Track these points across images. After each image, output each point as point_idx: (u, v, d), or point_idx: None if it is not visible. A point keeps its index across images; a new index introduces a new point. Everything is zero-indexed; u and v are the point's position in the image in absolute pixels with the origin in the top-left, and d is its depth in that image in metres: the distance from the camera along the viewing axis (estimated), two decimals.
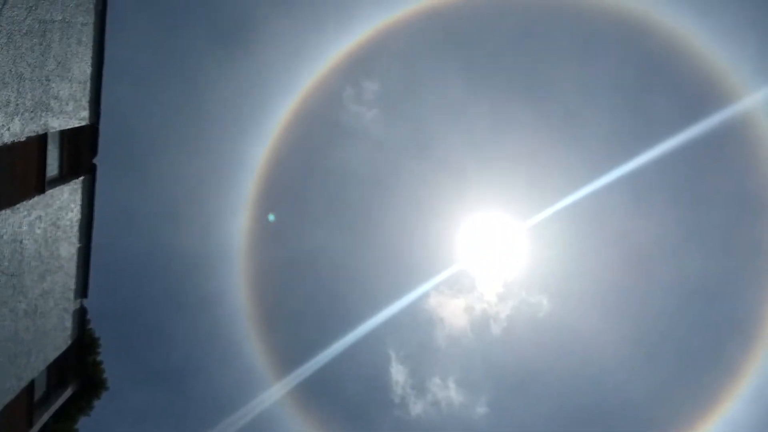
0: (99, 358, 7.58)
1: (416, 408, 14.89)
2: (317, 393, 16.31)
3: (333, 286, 16.32)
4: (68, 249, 5.36)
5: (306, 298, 16.72)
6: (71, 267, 5.52)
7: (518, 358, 15.38)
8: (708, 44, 12.95)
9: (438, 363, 15.36)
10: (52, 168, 4.91)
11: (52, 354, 5.52)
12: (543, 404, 15.43)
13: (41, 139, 4.47)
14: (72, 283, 5.65)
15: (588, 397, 15.64)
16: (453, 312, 14.90)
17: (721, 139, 13.82)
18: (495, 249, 14.84)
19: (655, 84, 14.29)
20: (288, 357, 16.82)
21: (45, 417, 5.97)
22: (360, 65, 15.77)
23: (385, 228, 15.98)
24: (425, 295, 14.68)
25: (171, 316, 16.57)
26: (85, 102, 5.17)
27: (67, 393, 6.49)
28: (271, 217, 16.60)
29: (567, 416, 15.38)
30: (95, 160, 5.54)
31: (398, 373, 14.77)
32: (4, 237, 4.05)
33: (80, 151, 5.38)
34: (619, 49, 14.35)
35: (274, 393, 16.56)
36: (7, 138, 3.75)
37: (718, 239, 15.51)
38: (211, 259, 16.61)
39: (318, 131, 16.40)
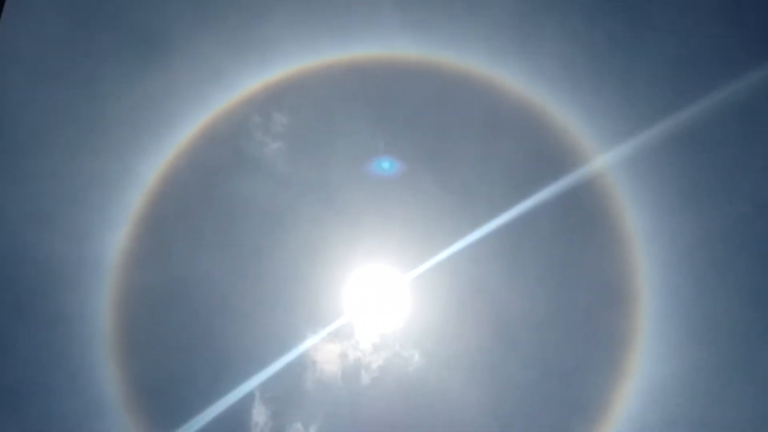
0: None
1: None
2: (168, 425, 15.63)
3: (209, 320, 15.99)
4: None
5: (177, 329, 16.20)
6: None
7: (384, 410, 15.71)
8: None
9: (303, 408, 15.32)
10: None
11: None
12: None
13: None
14: None
15: None
16: (326, 357, 15.07)
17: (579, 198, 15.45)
18: (377, 299, 15.34)
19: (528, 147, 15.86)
20: (146, 388, 16.07)
21: None
22: (274, 97, 16.19)
23: (273, 268, 16.07)
24: (301, 337, 14.79)
25: (20, 326, 15.37)
26: None
27: None
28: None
29: None
30: None
31: (259, 415, 14.55)
32: None
33: None
34: (516, 126, 15.87)
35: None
36: None
37: (579, 322, 16.90)
38: (79, 271, 15.75)
39: (219, 155, 16.43)
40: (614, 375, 16.47)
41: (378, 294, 15.97)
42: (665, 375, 16.20)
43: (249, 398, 15.14)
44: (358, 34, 16.81)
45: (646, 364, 16.26)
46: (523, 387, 16.97)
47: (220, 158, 16.42)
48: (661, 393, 16.25)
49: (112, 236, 16.29)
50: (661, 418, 16.26)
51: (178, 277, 16.36)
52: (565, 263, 17.12)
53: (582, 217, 17.12)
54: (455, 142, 16.42)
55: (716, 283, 16.53)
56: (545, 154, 16.00)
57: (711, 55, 15.96)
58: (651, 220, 16.44)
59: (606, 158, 16.32)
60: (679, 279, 16.36)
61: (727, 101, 15.61)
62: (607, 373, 16.43)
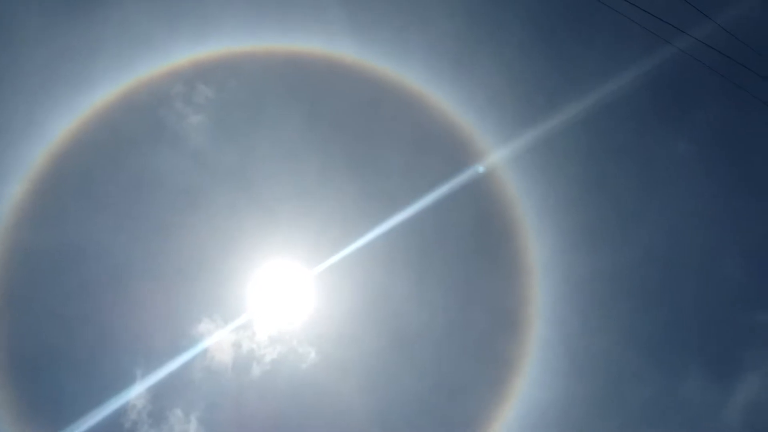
0: None
1: None
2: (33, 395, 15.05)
3: (99, 294, 15.52)
4: None
5: (63, 299, 15.59)
6: None
7: (270, 405, 15.87)
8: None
9: (186, 395, 15.18)
10: None
11: None
12: None
13: None
14: None
15: None
16: (219, 345, 15.04)
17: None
18: (279, 292, 15.51)
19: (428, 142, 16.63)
20: (18, 356, 15.34)
21: None
22: (202, 72, 16.04)
23: (175, 248, 15.84)
24: (194, 322, 14.69)
25: None
26: None
27: None
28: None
29: None
30: None
31: (138, 397, 14.28)
32: None
33: None
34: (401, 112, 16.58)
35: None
36: None
37: (472, 345, 17.82)
38: None
39: (135, 122, 16.05)
40: (498, 395, 17.55)
41: (281, 287, 16.15)
42: (544, 400, 17.42)
43: (129, 379, 14.82)
44: (301, 26, 17.09)
45: (528, 388, 17.43)
46: (411, 398, 17.68)
47: (136, 126, 16.06)
48: (538, 417, 17.48)
49: (6, 190, 15.55)
50: None
51: (72, 244, 15.79)
52: (468, 283, 18.04)
53: (487, 245, 18.14)
54: (374, 145, 17.00)
55: (600, 321, 18.00)
56: (452, 159, 16.88)
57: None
58: (552, 254, 17.69)
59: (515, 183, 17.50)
60: (568, 312, 17.64)
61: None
62: (492, 393, 17.48)
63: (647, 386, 17.68)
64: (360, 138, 16.90)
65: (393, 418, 17.46)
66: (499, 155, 17.20)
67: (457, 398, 17.90)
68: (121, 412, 14.62)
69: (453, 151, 16.34)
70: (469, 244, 17.44)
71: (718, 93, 17.00)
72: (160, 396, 14.85)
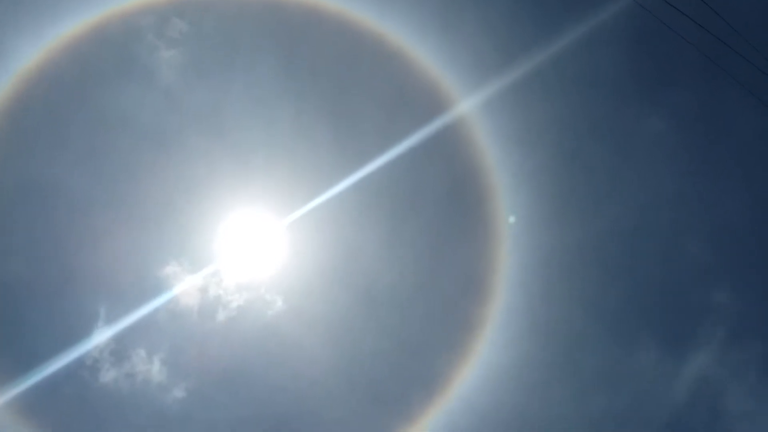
0: None
1: (107, 375, 14.62)
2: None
3: (58, 229, 15.41)
4: None
5: (22, 232, 15.46)
6: None
7: (234, 352, 16.20)
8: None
9: (150, 335, 15.38)
10: None
11: None
12: (239, 404, 16.36)
13: None
14: None
15: (287, 407, 17.02)
16: (185, 289, 15.20)
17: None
18: (249, 240, 15.65)
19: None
20: None
21: None
22: (178, 3, 15.70)
23: (141, 189, 15.76)
24: (160, 264, 14.79)
25: None
26: None
27: None
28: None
29: (262, 421, 16.47)
30: None
31: (101, 334, 14.43)
32: None
33: None
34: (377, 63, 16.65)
35: None
36: None
37: (439, 306, 18.32)
38: None
39: (105, 54, 15.70)
40: (458, 356, 18.19)
41: (250, 236, 16.31)
42: (503, 363, 18.11)
43: (93, 316, 14.93)
44: None
45: (488, 351, 18.08)
46: (373, 354, 18.20)
47: (106, 60, 15.72)
48: (494, 379, 18.20)
49: None
50: (489, 401, 18.25)
51: (37, 180, 15.59)
52: (437, 244, 18.42)
53: (459, 208, 18.48)
54: (351, 96, 17.01)
55: (563, 290, 18.61)
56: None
57: None
58: (520, 221, 18.13)
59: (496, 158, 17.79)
60: (532, 280, 18.20)
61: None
62: (452, 353, 18.10)
63: (603, 355, 18.49)
64: (336, 88, 16.87)
65: (355, 372, 17.99)
66: (476, 121, 17.42)
67: (418, 357, 18.48)
68: (84, 350, 14.78)
69: (430, 110, 16.50)
70: (441, 206, 17.76)
71: (700, 72, 17.41)
72: (123, 336, 15.03)
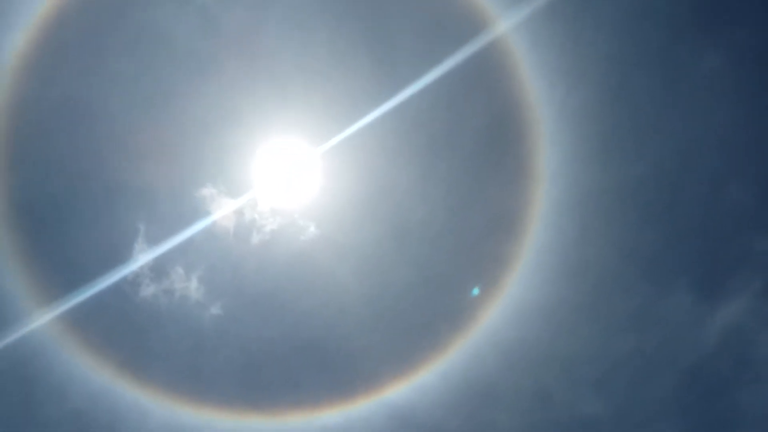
0: None
1: (147, 290, 15.58)
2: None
3: (99, 147, 16.00)
4: None
5: (65, 149, 16.11)
6: None
7: (267, 274, 16.97)
8: None
9: (188, 254, 16.19)
10: None
11: None
12: (274, 324, 17.27)
13: None
14: None
15: (315, 333, 17.88)
16: (222, 211, 15.81)
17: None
18: (285, 167, 16.03)
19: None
20: (25, 204, 16.19)
21: None
22: None
23: (179, 112, 16.12)
24: (198, 185, 15.33)
25: None
26: None
27: None
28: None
29: (292, 345, 17.38)
30: None
31: (141, 251, 15.27)
32: None
33: None
34: None
35: None
36: None
37: (469, 243, 18.57)
38: None
39: None
40: (487, 292, 18.60)
41: (286, 162, 16.71)
42: (530, 301, 18.47)
43: (133, 232, 15.78)
44: None
45: (516, 288, 18.41)
46: (403, 288, 18.74)
47: None
48: (522, 316, 18.62)
49: (10, 36, 15.60)
50: (515, 337, 18.77)
51: (78, 97, 16.08)
52: (471, 181, 18.46)
53: (497, 143, 18.36)
54: (387, 22, 16.73)
55: (599, 232, 18.58)
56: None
57: None
58: (560, 160, 17.97)
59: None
60: (568, 220, 18.18)
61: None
62: (482, 289, 18.50)
63: (635, 297, 18.61)
64: (373, 12, 16.62)
65: (383, 303, 18.64)
66: (519, 51, 17.04)
67: (447, 291, 18.99)
68: (126, 267, 15.74)
69: (471, 39, 16.18)
70: (478, 140, 17.68)
71: (761, 11, 16.54)
72: (162, 253, 15.90)
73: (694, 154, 17.90)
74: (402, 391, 18.44)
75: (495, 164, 18.57)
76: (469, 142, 18.12)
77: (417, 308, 19.04)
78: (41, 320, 15.43)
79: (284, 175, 16.66)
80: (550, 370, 19.01)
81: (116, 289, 15.63)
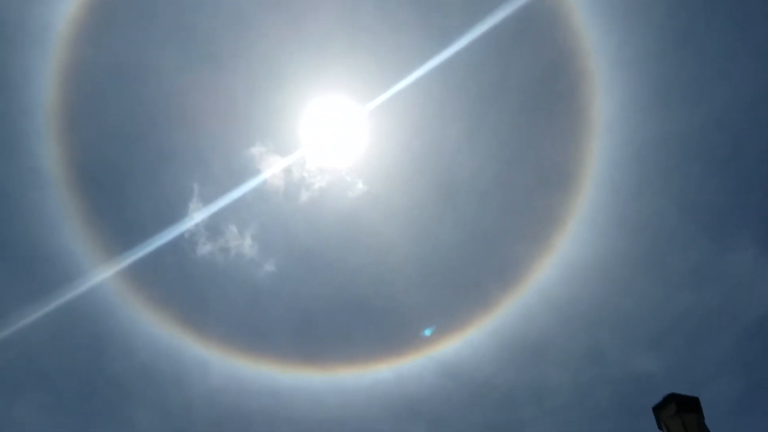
0: None
1: (204, 248, 16.36)
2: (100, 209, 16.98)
3: (153, 111, 16.60)
4: None
5: (121, 114, 16.81)
6: None
7: (317, 231, 17.48)
8: None
9: (240, 213, 16.84)
10: None
11: None
12: (325, 280, 17.84)
13: None
14: None
15: (363, 291, 18.38)
16: (271, 170, 16.28)
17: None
18: (333, 125, 16.25)
19: None
20: (84, 168, 17.10)
21: None
22: None
23: (228, 74, 16.46)
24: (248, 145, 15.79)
25: None
26: None
27: None
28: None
29: (341, 302, 17.94)
30: None
31: (196, 210, 15.98)
32: None
33: None
34: None
35: (62, 206, 16.88)
36: None
37: (518, 199, 18.44)
38: (23, 35, 15.74)
39: None
40: (538, 249, 18.57)
41: (333, 121, 16.96)
42: (583, 257, 18.32)
43: (188, 193, 16.51)
44: None
45: (568, 244, 18.28)
46: (451, 245, 18.93)
47: None
48: (574, 272, 18.53)
49: (62, 5, 16.13)
50: (567, 295, 18.75)
51: (129, 63, 16.65)
52: (521, 136, 18.24)
53: (549, 97, 18.00)
54: None
55: (658, 185, 18.13)
56: None
57: None
58: (615, 112, 17.48)
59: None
60: (624, 175, 17.79)
61: None
62: (532, 245, 18.48)
63: (695, 252, 18.21)
64: None
65: (431, 261, 18.91)
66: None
67: (496, 248, 19.08)
68: (182, 226, 16.54)
69: None
70: (529, 92, 17.39)
71: None
72: (215, 213, 16.60)
73: (759, 101, 17.11)
74: (451, 347, 18.82)
75: (546, 117, 18.26)
76: (520, 94, 17.85)
77: (466, 266, 19.21)
78: (105, 278, 16.38)
79: (332, 133, 16.94)
80: (605, 327, 18.94)
81: (174, 248, 16.42)
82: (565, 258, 18.27)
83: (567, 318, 18.93)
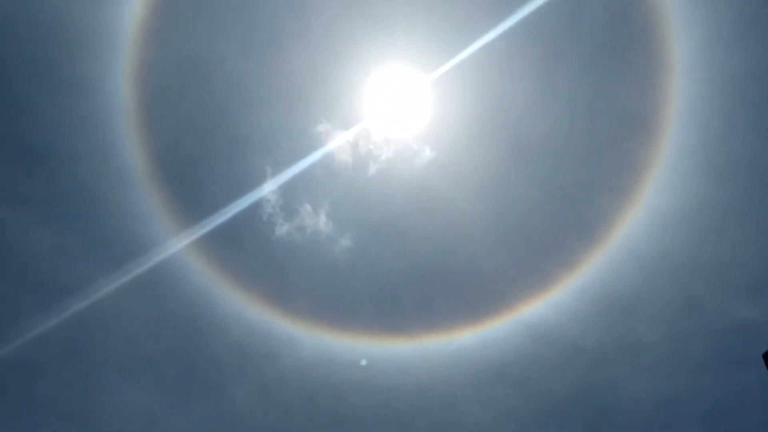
0: None
1: (281, 229, 16.99)
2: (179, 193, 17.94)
3: (224, 102, 17.24)
4: None
5: (194, 109, 17.58)
6: None
7: (388, 202, 17.69)
8: None
9: (312, 192, 17.32)
10: None
11: None
12: (401, 251, 18.09)
13: None
14: None
15: (441, 258, 18.45)
16: (338, 146, 16.59)
17: None
18: (395, 95, 16.31)
19: None
20: (165, 164, 18.08)
21: None
22: None
23: (291, 56, 16.79)
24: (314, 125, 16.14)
25: (37, 89, 16.79)
26: None
27: None
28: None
29: (420, 271, 18.13)
30: None
31: (270, 193, 16.58)
32: None
33: None
34: None
35: (151, 203, 17.97)
36: None
37: (599, 149, 17.82)
38: (95, 38, 16.64)
39: None
40: (621, 201, 17.95)
41: (397, 90, 16.98)
42: (671, 207, 17.53)
43: (260, 178, 17.15)
44: None
45: (654, 194, 17.54)
46: (527, 205, 18.61)
47: None
48: (663, 223, 17.79)
49: (128, 6, 16.95)
50: (655, 247, 18.06)
51: (196, 57, 17.29)
52: (595, 85, 17.52)
53: (621, 41, 17.16)
54: None
55: (749, 122, 17.01)
56: None
57: None
58: (696, 48, 16.46)
59: None
60: (711, 115, 16.78)
61: None
62: (615, 198, 17.89)
63: None
64: None
65: (509, 223, 18.69)
66: None
67: (577, 205, 18.59)
68: (258, 205, 17.23)
69: None
70: (599, 39, 16.67)
71: None
72: (289, 194, 17.16)
73: None
74: (535, 309, 18.65)
75: (619, 63, 17.47)
76: (589, 42, 17.13)
77: (545, 225, 18.86)
78: (194, 266, 17.37)
79: (396, 104, 16.98)
80: (699, 278, 18.16)
81: (254, 231, 17.13)
82: (651, 209, 17.61)
83: (658, 271, 18.28)
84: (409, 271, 18.33)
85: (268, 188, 16.60)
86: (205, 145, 17.67)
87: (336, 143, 16.30)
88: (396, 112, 16.66)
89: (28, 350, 17.49)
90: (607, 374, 18.19)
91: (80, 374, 17.98)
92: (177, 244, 17.10)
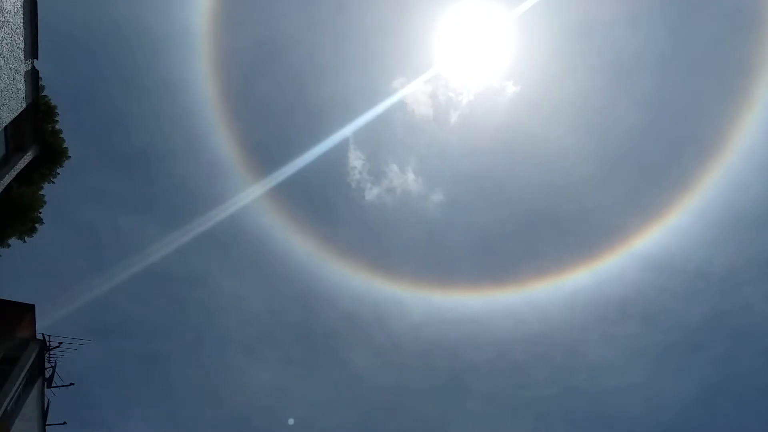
0: (57, 126, 9.07)
1: (371, 193, 17.25)
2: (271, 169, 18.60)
3: (301, 77, 17.49)
4: (12, 2, 6.02)
5: (273, 89, 18.00)
6: (17, 22, 6.27)
7: (476, 149, 17.34)
8: None
9: (397, 151, 17.36)
10: None
11: (7, 116, 6.47)
12: (498, 198, 17.79)
13: None
14: (20, 41, 6.43)
15: (541, 200, 17.96)
16: (416, 98, 16.39)
17: None
18: (473, 34, 15.71)
19: None
20: (254, 149, 18.78)
21: (7, 179, 7.07)
22: None
23: (358, 18, 16.65)
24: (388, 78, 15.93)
25: (130, 97, 17.75)
26: None
27: (27, 157, 7.52)
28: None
29: (520, 216, 17.81)
30: None
31: (356, 159, 16.82)
32: None
33: None
34: None
35: (248, 190, 18.76)
36: None
37: (702, 55, 16.36)
38: (169, 40, 17.38)
39: None
40: (734, 108, 16.46)
41: (474, 29, 16.25)
42: None
43: (344, 145, 17.36)
44: None
45: None
46: (631, 129, 17.57)
47: None
48: None
49: (196, 3, 17.41)
50: None
51: (266, 39, 17.62)
52: None
53: None
54: None
55: None
56: None
57: None
58: None
59: None
60: None
61: None
62: (727, 106, 16.44)
63: None
64: None
65: (610, 153, 17.77)
66: None
67: (686, 120, 17.31)
68: (345, 174, 17.52)
69: None
70: None
71: None
72: (374, 156, 17.29)
73: None
74: (652, 239, 17.82)
75: None
76: None
77: (653, 147, 17.86)
78: (295, 242, 18.10)
79: (470, 45, 16.34)
80: None
81: (346, 199, 17.55)
82: None
83: None
84: (508, 219, 18.08)
85: (353, 155, 16.83)
86: (290, 123, 18.07)
87: (414, 97, 16.06)
88: (470, 54, 16.04)
89: (160, 342, 19.36)
90: (740, 297, 17.19)
91: (209, 359, 19.64)
92: (276, 227, 17.86)
